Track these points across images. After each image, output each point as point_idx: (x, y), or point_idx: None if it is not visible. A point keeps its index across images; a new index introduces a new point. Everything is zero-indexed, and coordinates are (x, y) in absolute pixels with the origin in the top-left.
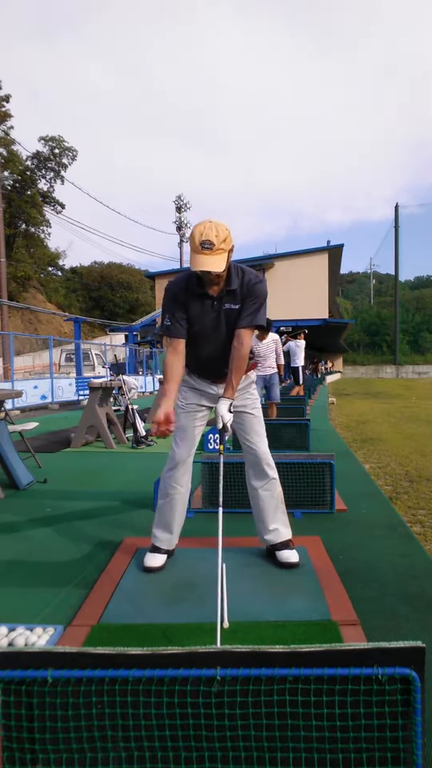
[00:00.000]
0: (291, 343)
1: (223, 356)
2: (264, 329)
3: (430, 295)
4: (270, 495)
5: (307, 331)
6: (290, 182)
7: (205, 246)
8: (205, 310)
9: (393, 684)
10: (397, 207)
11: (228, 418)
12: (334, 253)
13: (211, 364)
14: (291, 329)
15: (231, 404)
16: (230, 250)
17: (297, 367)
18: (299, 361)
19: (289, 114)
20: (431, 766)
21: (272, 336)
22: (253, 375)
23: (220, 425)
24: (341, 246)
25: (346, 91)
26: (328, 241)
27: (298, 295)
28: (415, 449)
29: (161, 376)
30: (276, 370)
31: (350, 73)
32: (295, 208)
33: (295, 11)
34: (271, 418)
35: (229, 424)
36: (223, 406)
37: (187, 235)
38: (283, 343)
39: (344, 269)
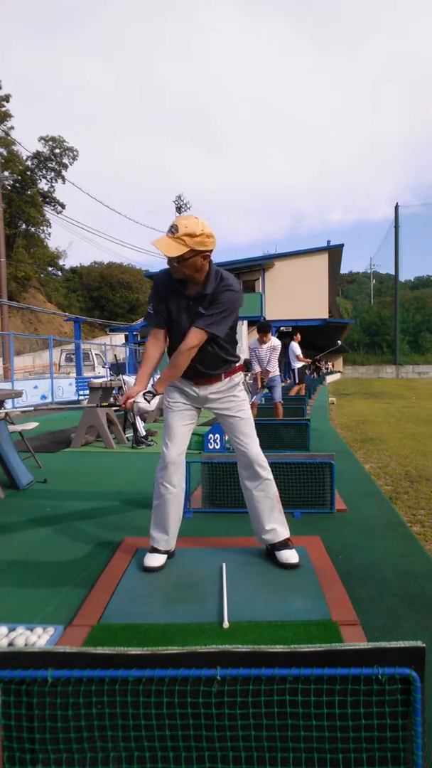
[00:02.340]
0: (293, 344)
1: (198, 358)
2: (264, 332)
3: (430, 295)
4: (264, 495)
5: (298, 334)
6: (291, 182)
7: (170, 230)
8: (180, 308)
9: (393, 684)
10: (397, 207)
11: (140, 403)
12: (334, 253)
13: (189, 364)
14: (290, 329)
15: (150, 394)
16: (197, 251)
17: (294, 369)
18: (297, 363)
19: (290, 113)
20: (431, 766)
21: (274, 342)
22: (237, 378)
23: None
24: (341, 246)
25: (346, 91)
26: (328, 241)
27: (298, 295)
28: (415, 449)
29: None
30: (277, 372)
31: (351, 73)
32: (296, 207)
33: (295, 11)
34: (271, 418)
35: (138, 408)
36: (140, 395)
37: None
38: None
39: (344, 269)
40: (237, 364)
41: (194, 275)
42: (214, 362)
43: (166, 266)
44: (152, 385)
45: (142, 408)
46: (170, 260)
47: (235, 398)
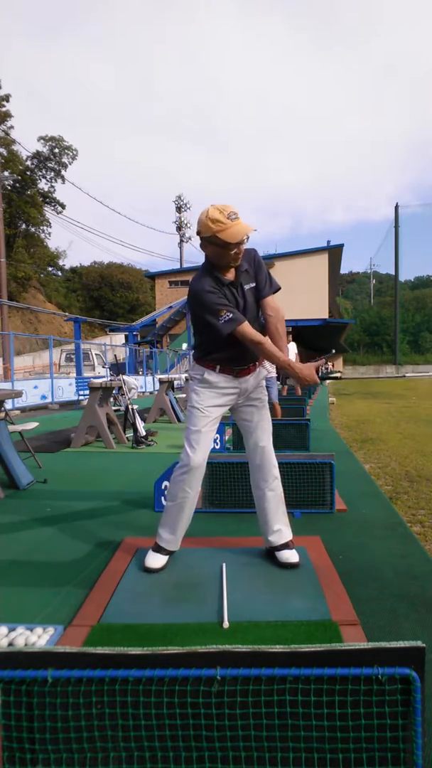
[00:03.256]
0: (292, 344)
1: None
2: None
3: (430, 295)
4: (274, 495)
5: (290, 330)
6: (292, 182)
7: (232, 217)
8: (237, 297)
9: (393, 684)
10: (397, 207)
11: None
12: (334, 253)
13: (239, 352)
14: (290, 329)
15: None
16: None
17: None
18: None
19: (291, 113)
20: (431, 766)
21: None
22: (264, 371)
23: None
24: (341, 246)
25: (347, 90)
26: (329, 241)
27: (298, 295)
28: (415, 449)
29: (161, 376)
30: (273, 372)
31: (352, 72)
32: (296, 207)
33: (296, 11)
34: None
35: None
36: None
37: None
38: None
39: (344, 269)
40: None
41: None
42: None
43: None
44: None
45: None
46: (235, 245)
47: (263, 390)
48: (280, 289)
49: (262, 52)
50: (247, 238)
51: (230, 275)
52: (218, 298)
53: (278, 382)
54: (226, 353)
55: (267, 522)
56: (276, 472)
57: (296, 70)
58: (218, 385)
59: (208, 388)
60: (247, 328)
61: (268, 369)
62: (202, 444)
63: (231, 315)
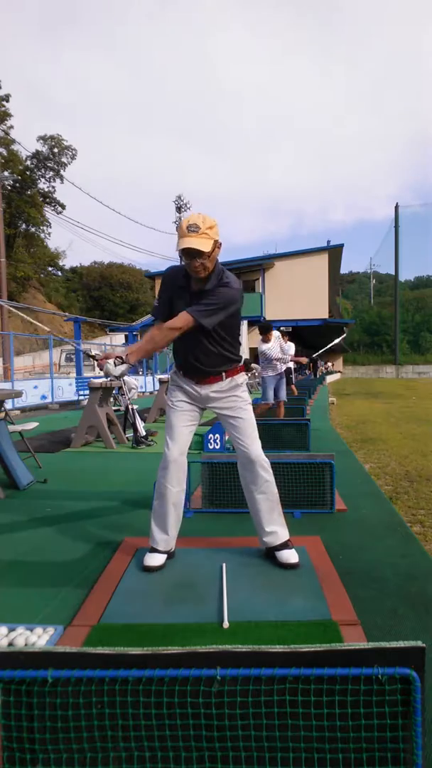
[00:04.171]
0: (290, 344)
1: (200, 355)
2: (265, 331)
3: (430, 295)
4: (265, 498)
5: (289, 329)
6: (292, 182)
7: (191, 229)
8: (183, 303)
9: (393, 684)
10: (397, 207)
11: (108, 364)
12: (334, 253)
13: (190, 361)
14: (290, 329)
15: (119, 359)
16: (216, 243)
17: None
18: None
19: (291, 113)
20: (431, 766)
21: (274, 333)
22: (240, 378)
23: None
24: (341, 246)
25: (348, 90)
26: (329, 241)
27: (298, 295)
28: (415, 449)
29: (161, 376)
30: (283, 370)
31: (353, 71)
32: (296, 207)
33: (296, 11)
34: (272, 418)
35: (106, 369)
36: (112, 359)
37: None
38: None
39: (344, 269)
40: (239, 365)
41: (209, 270)
42: (214, 360)
43: (169, 265)
44: (126, 354)
45: (108, 370)
46: (194, 259)
47: (237, 399)
48: (203, 326)
49: (263, 51)
50: (206, 254)
51: (197, 286)
52: (162, 285)
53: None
54: (179, 360)
55: (260, 524)
56: (267, 475)
57: (297, 70)
58: (182, 386)
59: (176, 387)
60: (156, 327)
61: (269, 372)
62: (177, 439)
63: (156, 305)
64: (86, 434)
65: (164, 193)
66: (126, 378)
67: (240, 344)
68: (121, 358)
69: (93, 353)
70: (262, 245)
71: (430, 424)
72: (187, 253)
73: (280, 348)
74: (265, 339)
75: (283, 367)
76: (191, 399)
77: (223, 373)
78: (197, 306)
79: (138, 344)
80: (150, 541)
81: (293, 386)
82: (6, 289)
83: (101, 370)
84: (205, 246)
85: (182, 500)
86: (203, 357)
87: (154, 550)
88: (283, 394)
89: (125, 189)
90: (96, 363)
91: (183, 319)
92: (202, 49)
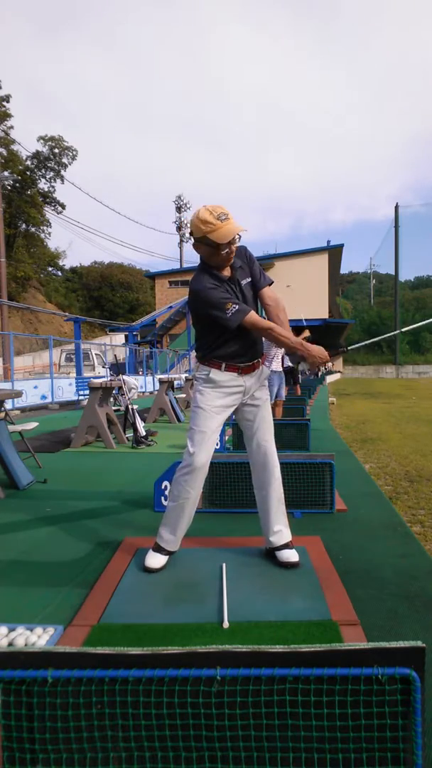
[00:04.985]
0: None
1: (253, 336)
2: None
3: (430, 295)
4: (277, 497)
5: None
6: (293, 182)
7: (222, 218)
8: (236, 293)
9: (393, 684)
10: (397, 207)
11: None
12: (334, 253)
13: (244, 347)
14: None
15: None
16: None
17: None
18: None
19: (292, 113)
20: (431, 766)
21: None
22: (267, 369)
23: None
24: (341, 246)
25: (348, 90)
26: (329, 241)
27: (298, 295)
28: (415, 449)
29: (161, 376)
30: (280, 368)
31: (353, 71)
32: (297, 207)
33: (297, 11)
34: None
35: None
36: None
37: (187, 234)
38: None
39: (344, 269)
40: (263, 355)
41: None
42: (260, 341)
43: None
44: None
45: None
46: (228, 246)
47: (265, 389)
48: (273, 282)
49: (263, 51)
50: (239, 237)
51: (226, 273)
52: (222, 292)
53: (289, 384)
54: (231, 349)
55: (268, 523)
56: (278, 473)
57: (297, 69)
58: (223, 384)
59: (214, 388)
60: (255, 316)
61: (273, 367)
62: (206, 445)
63: (237, 306)
64: (86, 434)
65: (164, 193)
66: (126, 378)
67: None
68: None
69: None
70: (262, 245)
71: (430, 424)
72: (232, 240)
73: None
74: None
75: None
76: (229, 398)
77: (259, 358)
78: (261, 279)
79: (287, 332)
80: (158, 539)
81: (298, 386)
82: (6, 289)
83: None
84: (243, 225)
85: (197, 504)
86: (255, 340)
87: (158, 549)
88: (282, 393)
89: (125, 189)
90: (323, 361)
91: (272, 291)
92: (203, 48)
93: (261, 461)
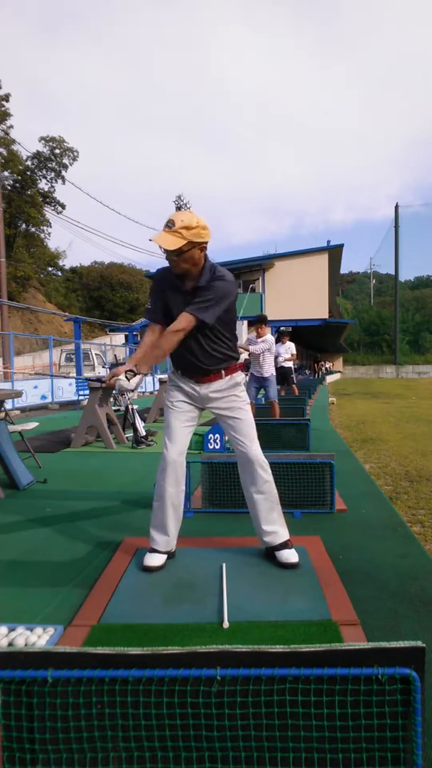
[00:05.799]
0: (290, 344)
1: (198, 353)
2: (261, 323)
3: (430, 295)
4: (265, 498)
5: (290, 329)
6: (293, 182)
7: (167, 225)
8: (178, 303)
9: (393, 684)
10: (397, 207)
11: (121, 380)
12: (334, 253)
13: (187, 360)
14: (290, 329)
15: (130, 372)
16: (195, 243)
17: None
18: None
19: (292, 113)
20: (431, 766)
21: (268, 337)
22: (239, 377)
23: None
24: (341, 246)
25: (349, 90)
26: (329, 241)
27: (298, 295)
28: (415, 449)
29: (161, 376)
30: (271, 372)
31: (353, 71)
32: (297, 207)
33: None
34: (271, 418)
35: (119, 385)
36: (123, 374)
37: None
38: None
39: (344, 269)
40: (237, 362)
41: (191, 269)
42: (214, 357)
43: (166, 264)
44: (135, 365)
45: (122, 386)
46: (169, 255)
47: (236, 398)
48: (204, 322)
49: (263, 51)
50: (179, 251)
51: (190, 284)
52: (152, 288)
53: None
54: (179, 359)
55: (260, 524)
56: (266, 475)
57: (297, 70)
58: (182, 385)
59: (175, 387)
60: (150, 329)
61: (266, 369)
62: (176, 439)
63: (149, 307)
64: (86, 434)
65: (164, 193)
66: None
67: (237, 341)
68: (132, 371)
69: (96, 379)
70: (262, 245)
71: (430, 424)
72: (159, 247)
73: (268, 349)
74: (259, 332)
75: (270, 369)
76: (190, 399)
77: (223, 371)
78: (195, 303)
79: (142, 352)
80: (150, 542)
81: (294, 386)
82: (6, 289)
83: (116, 391)
84: (170, 244)
85: (182, 501)
86: (203, 355)
87: (154, 551)
88: (272, 394)
89: (125, 189)
90: (109, 384)
91: (185, 320)
92: (203, 49)
93: (241, 463)
